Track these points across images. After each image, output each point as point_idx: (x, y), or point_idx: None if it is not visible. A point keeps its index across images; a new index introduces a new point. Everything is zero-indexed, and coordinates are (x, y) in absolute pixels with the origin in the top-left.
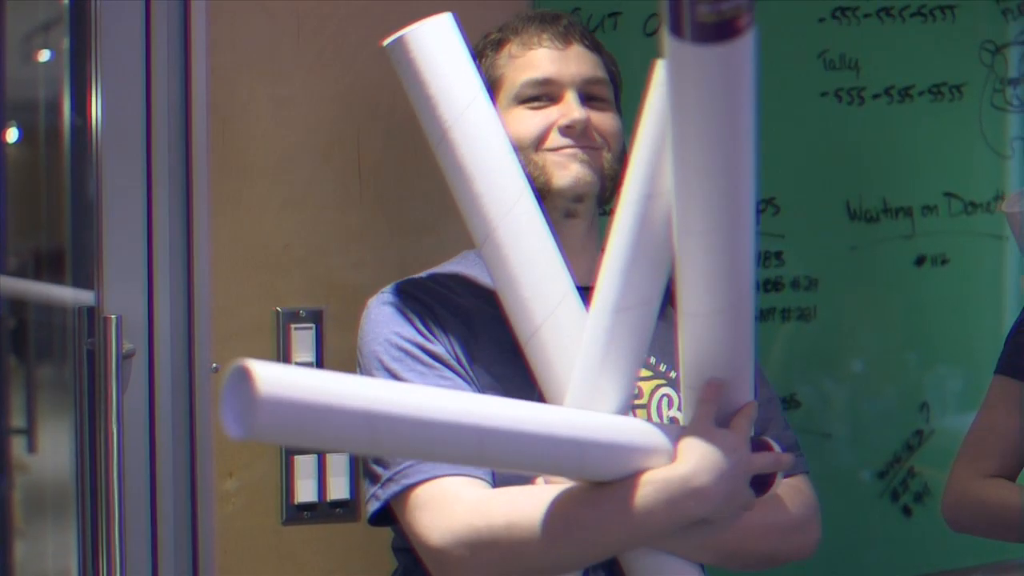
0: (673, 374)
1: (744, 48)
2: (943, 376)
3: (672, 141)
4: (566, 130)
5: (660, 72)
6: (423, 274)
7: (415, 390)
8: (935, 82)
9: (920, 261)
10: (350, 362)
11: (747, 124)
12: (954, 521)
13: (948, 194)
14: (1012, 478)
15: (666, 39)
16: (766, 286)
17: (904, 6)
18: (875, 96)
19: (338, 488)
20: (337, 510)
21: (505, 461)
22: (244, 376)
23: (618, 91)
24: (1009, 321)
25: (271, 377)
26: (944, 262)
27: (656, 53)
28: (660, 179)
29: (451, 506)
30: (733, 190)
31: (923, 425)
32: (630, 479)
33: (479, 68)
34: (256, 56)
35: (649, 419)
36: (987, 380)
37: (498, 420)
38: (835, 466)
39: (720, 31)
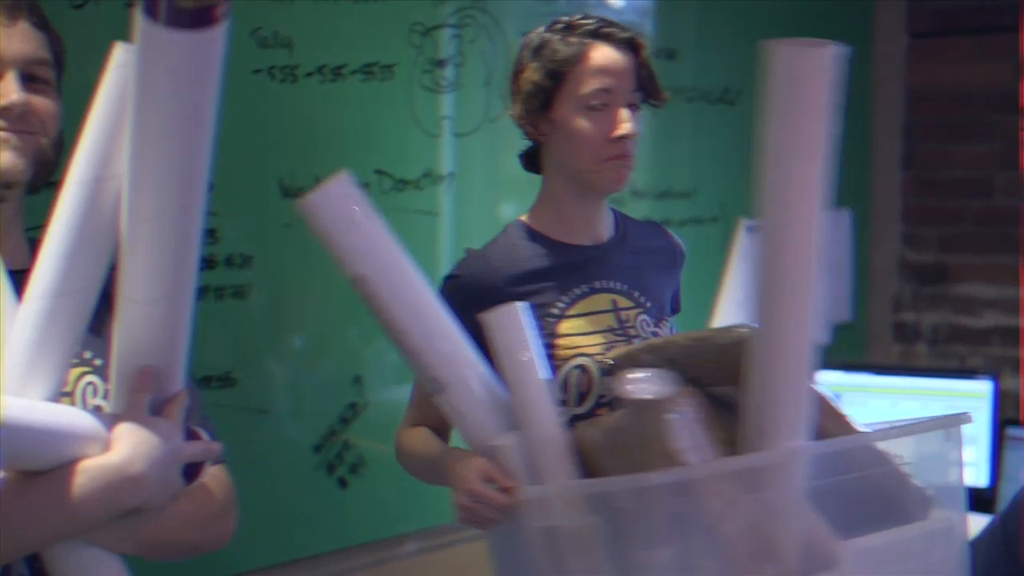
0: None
1: (218, 37)
2: (382, 350)
3: (132, 124)
4: (3, 112)
5: (119, 54)
6: None
7: None
8: (366, 62)
9: None
10: None
11: (210, 114)
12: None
13: (379, 171)
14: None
15: (139, 21)
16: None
17: None
18: (308, 74)
19: None
20: None
21: None
22: None
23: (61, 73)
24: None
25: None
26: None
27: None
28: (112, 162)
29: None
30: (190, 178)
31: (358, 398)
32: (63, 468)
33: None
34: None
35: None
36: None
37: None
38: (272, 443)
39: (197, 18)
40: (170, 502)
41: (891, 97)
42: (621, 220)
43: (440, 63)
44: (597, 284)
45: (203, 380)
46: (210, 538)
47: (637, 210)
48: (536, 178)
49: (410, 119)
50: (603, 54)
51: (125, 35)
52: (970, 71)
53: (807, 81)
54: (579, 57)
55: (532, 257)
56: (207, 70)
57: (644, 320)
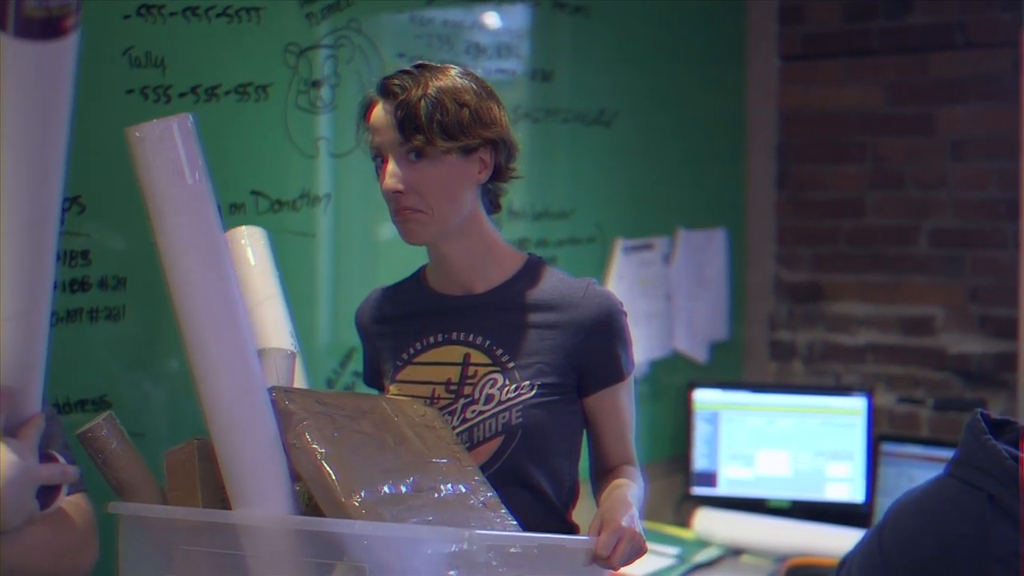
0: None
1: (68, 48)
2: None
3: None
4: None
5: None
6: None
7: None
8: (241, 82)
9: None
10: None
11: (62, 125)
12: None
13: (255, 192)
14: None
15: None
16: (72, 286)
17: (210, 6)
18: (182, 95)
19: None
20: None
21: None
22: None
23: None
24: (322, 314)
25: None
26: None
27: None
28: None
29: None
30: (43, 191)
31: None
32: None
33: None
34: None
35: None
36: None
37: None
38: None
39: (46, 28)
40: (26, 526)
41: (764, 119)
42: (524, 274)
43: (316, 84)
44: (454, 335)
45: (78, 403)
46: (69, 568)
47: (515, 230)
48: None
49: (286, 140)
50: (375, 110)
51: None
52: (840, 93)
53: None
54: (367, 117)
55: (406, 301)
56: (57, 82)
57: (492, 379)
